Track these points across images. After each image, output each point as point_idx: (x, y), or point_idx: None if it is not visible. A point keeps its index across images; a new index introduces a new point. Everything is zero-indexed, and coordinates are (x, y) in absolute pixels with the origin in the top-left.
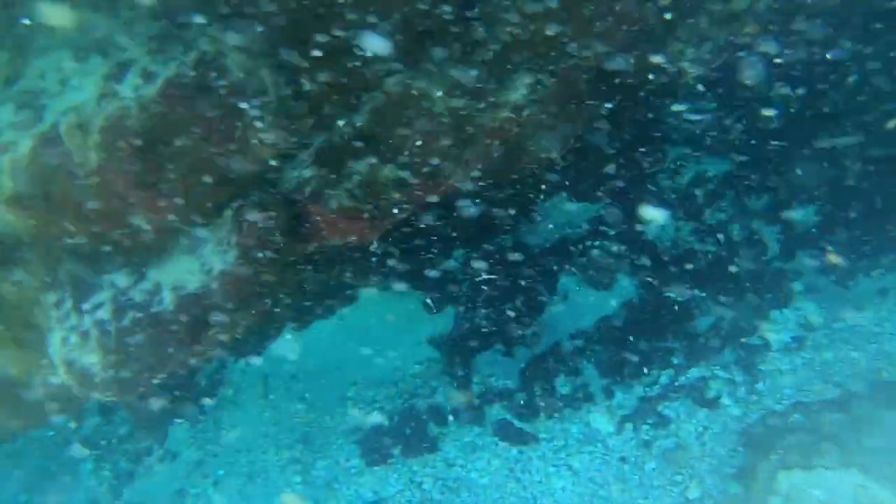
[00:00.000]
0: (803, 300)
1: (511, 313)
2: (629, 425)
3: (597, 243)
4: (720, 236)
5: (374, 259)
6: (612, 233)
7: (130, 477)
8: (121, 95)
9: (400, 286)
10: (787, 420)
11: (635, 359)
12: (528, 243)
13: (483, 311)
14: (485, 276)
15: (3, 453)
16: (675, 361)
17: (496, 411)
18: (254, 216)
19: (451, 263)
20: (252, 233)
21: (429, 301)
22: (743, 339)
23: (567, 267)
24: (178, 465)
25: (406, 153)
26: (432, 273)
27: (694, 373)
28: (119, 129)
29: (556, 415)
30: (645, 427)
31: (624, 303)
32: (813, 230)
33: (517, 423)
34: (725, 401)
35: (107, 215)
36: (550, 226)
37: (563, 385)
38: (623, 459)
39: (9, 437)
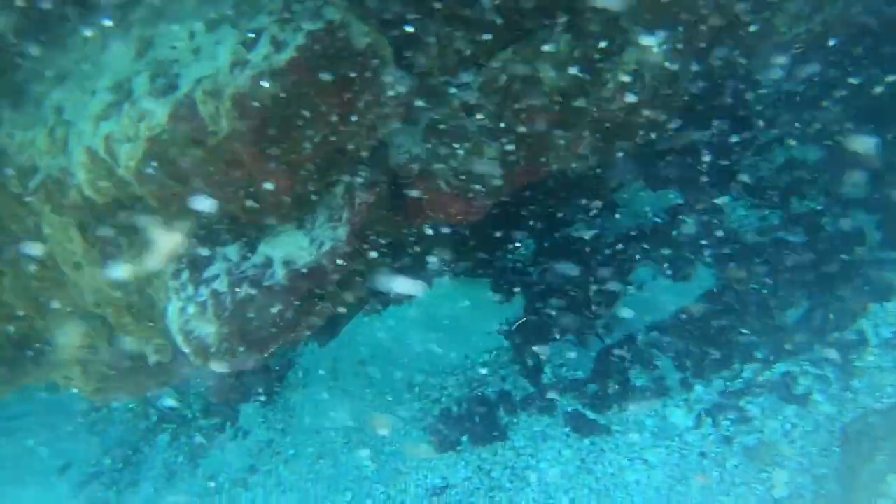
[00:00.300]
0: None
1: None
2: (708, 420)
3: (675, 232)
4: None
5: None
6: (690, 221)
7: (204, 451)
8: (252, 64)
9: (475, 273)
10: (893, 420)
11: (715, 353)
12: (603, 231)
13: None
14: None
15: (91, 420)
16: (759, 356)
17: (567, 401)
18: (364, 193)
19: (524, 252)
20: (363, 210)
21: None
22: (836, 334)
23: (643, 257)
24: (249, 443)
25: (513, 131)
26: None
27: (780, 368)
28: (250, 98)
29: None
30: (725, 423)
31: (704, 294)
32: None
33: (590, 415)
34: (817, 398)
35: (231, 185)
36: (624, 214)
37: (637, 377)
38: (703, 455)
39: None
